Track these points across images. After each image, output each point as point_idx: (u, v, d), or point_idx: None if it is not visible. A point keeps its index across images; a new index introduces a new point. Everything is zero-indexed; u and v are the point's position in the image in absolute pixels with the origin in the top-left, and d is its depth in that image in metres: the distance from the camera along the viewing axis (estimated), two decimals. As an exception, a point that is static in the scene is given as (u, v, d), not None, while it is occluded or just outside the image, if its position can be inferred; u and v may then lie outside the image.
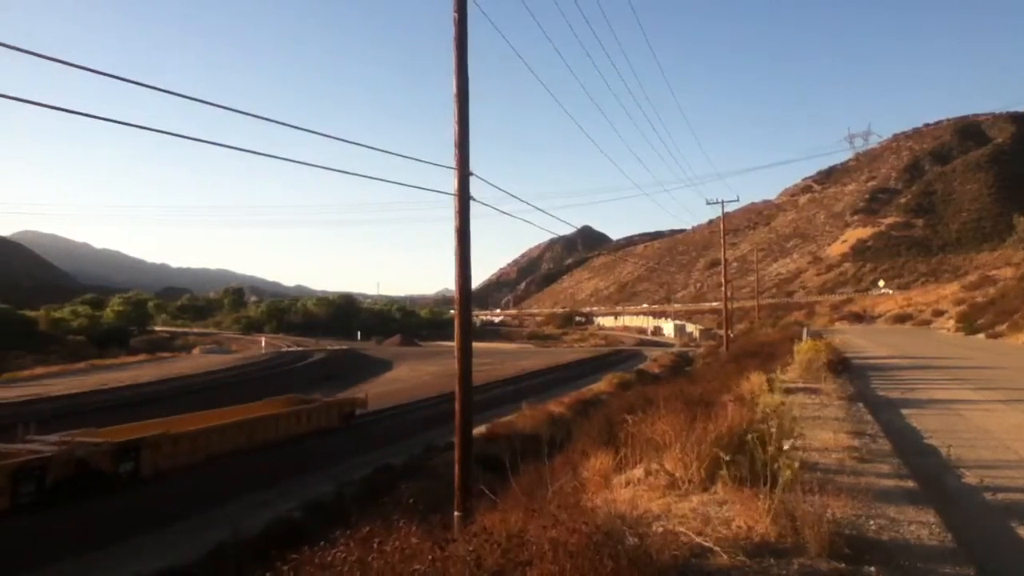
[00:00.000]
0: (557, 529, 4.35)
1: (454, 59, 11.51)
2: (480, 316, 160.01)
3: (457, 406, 11.43)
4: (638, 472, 7.17)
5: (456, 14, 11.48)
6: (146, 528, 14.91)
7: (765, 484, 5.36)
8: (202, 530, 14.46)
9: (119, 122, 7.49)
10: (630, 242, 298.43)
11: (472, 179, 11.70)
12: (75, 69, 6.40)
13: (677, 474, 6.56)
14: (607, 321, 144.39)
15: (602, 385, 34.81)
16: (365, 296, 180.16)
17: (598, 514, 5.14)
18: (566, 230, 47.86)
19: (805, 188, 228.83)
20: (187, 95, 8.17)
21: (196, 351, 71.67)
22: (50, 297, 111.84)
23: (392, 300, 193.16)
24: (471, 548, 4.18)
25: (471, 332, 12.07)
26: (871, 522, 5.51)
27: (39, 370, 49.06)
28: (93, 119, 6.83)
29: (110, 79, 6.68)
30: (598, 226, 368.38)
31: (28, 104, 6.11)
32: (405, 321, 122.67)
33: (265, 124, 11.25)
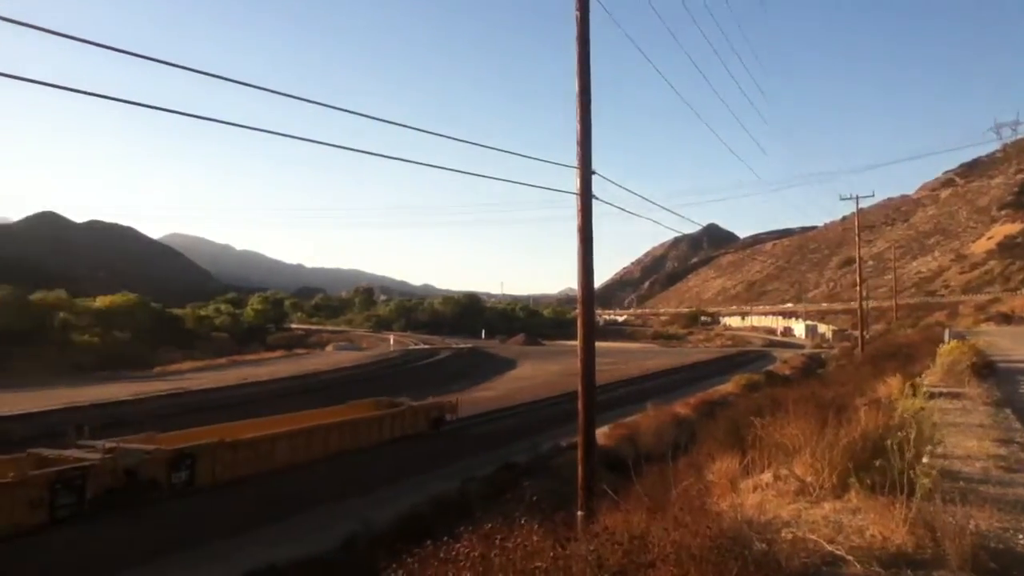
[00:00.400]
0: (680, 532, 4.28)
1: (576, 56, 11.48)
2: (603, 315, 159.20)
3: (580, 405, 11.40)
4: (766, 477, 6.96)
5: (578, 12, 11.45)
6: (169, 552, 13.48)
7: (902, 492, 5.09)
8: (239, 551, 13.56)
9: (265, 130, 7.85)
10: (758, 240, 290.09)
11: (595, 178, 11.66)
12: (223, 81, 6.75)
13: (807, 480, 6.33)
14: (734, 321, 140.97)
15: (729, 386, 34.03)
16: (489, 295, 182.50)
17: (724, 518, 5.03)
18: (691, 228, 47.08)
19: (947, 182, 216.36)
20: (330, 104, 8.49)
21: (329, 348, 74.44)
22: (195, 296, 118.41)
23: (516, 299, 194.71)
24: (592, 548, 4.17)
25: (594, 331, 12.03)
26: (1020, 536, 5.15)
27: (186, 364, 52.12)
28: (241, 128, 7.18)
29: (258, 90, 7.01)
30: (724, 224, 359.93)
31: (188, 117, 6.48)
32: (528, 320, 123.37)
33: (394, 128, 11.54)
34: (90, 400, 31.57)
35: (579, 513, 9.91)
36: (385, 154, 9.50)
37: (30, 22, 5.06)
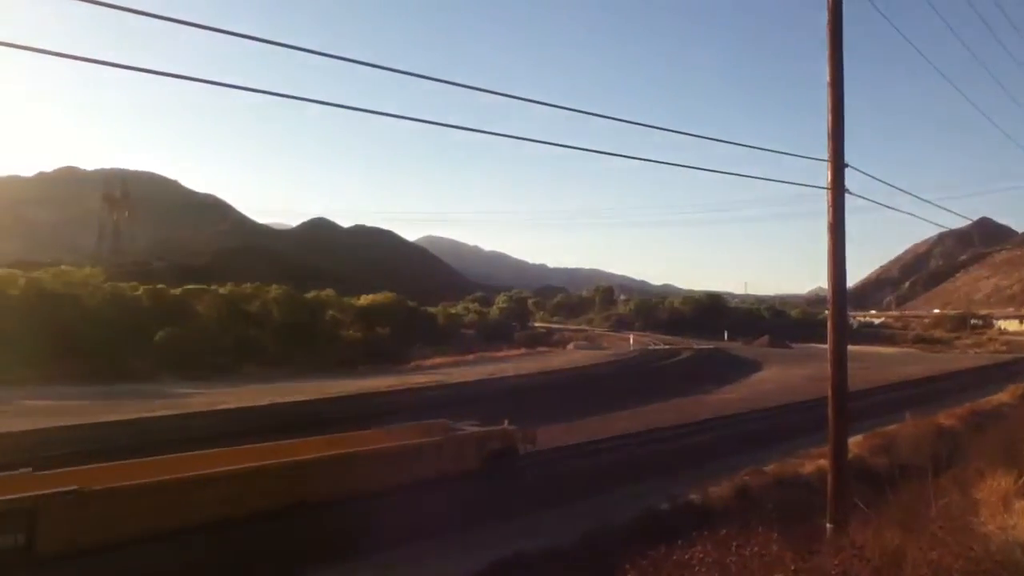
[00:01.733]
0: (939, 551, 3.95)
1: (827, 45, 10.98)
2: (857, 317, 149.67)
3: (830, 412, 10.84)
4: (1046, 498, 6.26)
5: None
6: None
7: None
8: None
9: (508, 135, 8.18)
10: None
11: (847, 171, 11.07)
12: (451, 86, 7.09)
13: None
14: (1011, 325, 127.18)
15: (1003, 396, 30.82)
16: (732, 295, 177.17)
17: (991, 540, 4.58)
18: (959, 223, 42.91)
19: None
20: (572, 107, 8.70)
21: (570, 347, 75.75)
22: (446, 295, 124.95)
23: (760, 299, 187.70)
24: (837, 562, 3.95)
25: (846, 334, 11.40)
26: None
27: (437, 359, 55.20)
28: (485, 134, 7.53)
29: (503, 96, 7.31)
30: (999, 217, 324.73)
31: (433, 125, 6.89)
32: (774, 321, 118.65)
33: (633, 127, 11.58)
34: (370, 389, 34.34)
35: (827, 525, 9.42)
36: (625, 154, 9.57)
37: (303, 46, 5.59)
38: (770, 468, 18.86)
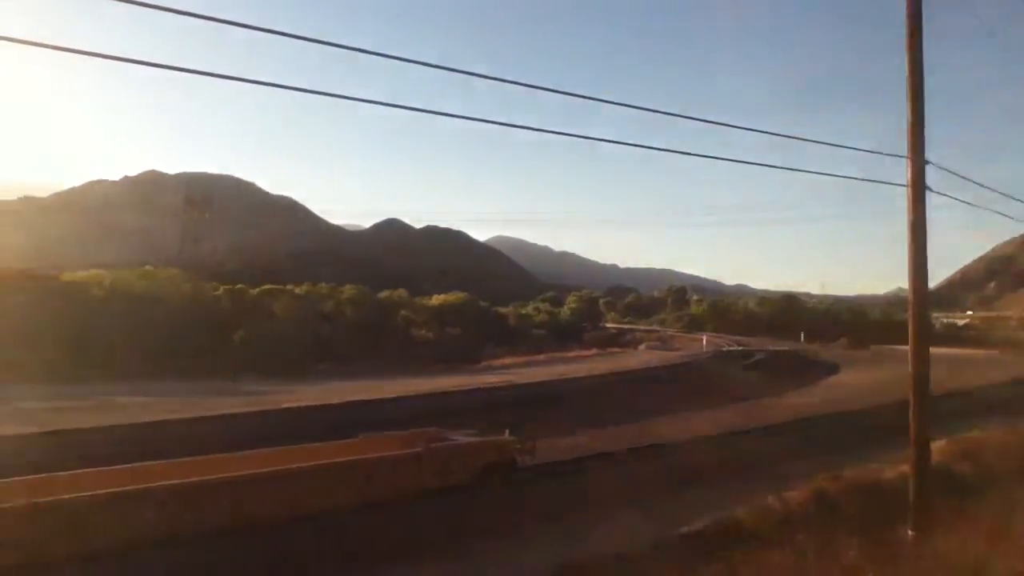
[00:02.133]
0: (1027, 564, 3.82)
1: (906, 34, 10.67)
2: (940, 318, 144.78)
3: (912, 416, 10.55)
4: None
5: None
6: None
7: None
8: None
9: (579, 136, 8.19)
10: None
11: (929, 167, 10.75)
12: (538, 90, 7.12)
13: None
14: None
15: (1102, 403, 29.43)
16: (809, 296, 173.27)
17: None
18: (1049, 220, 41.02)
19: None
20: (641, 105, 8.67)
21: (642, 347, 75.25)
22: (517, 295, 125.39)
23: (838, 300, 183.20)
24: (918, 571, 3.86)
25: (928, 335, 11.07)
26: None
27: (508, 359, 55.43)
28: (557, 134, 7.54)
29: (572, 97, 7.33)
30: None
31: (496, 125, 6.94)
32: (853, 322, 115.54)
33: (707, 126, 11.46)
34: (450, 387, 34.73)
35: (909, 533, 9.16)
36: (697, 153, 9.47)
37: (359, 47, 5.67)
38: (849, 473, 18.38)
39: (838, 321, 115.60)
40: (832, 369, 52.33)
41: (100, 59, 5.41)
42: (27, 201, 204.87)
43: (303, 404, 27.81)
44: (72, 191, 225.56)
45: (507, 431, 16.56)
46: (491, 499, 14.94)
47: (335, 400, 29.26)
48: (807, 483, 17.44)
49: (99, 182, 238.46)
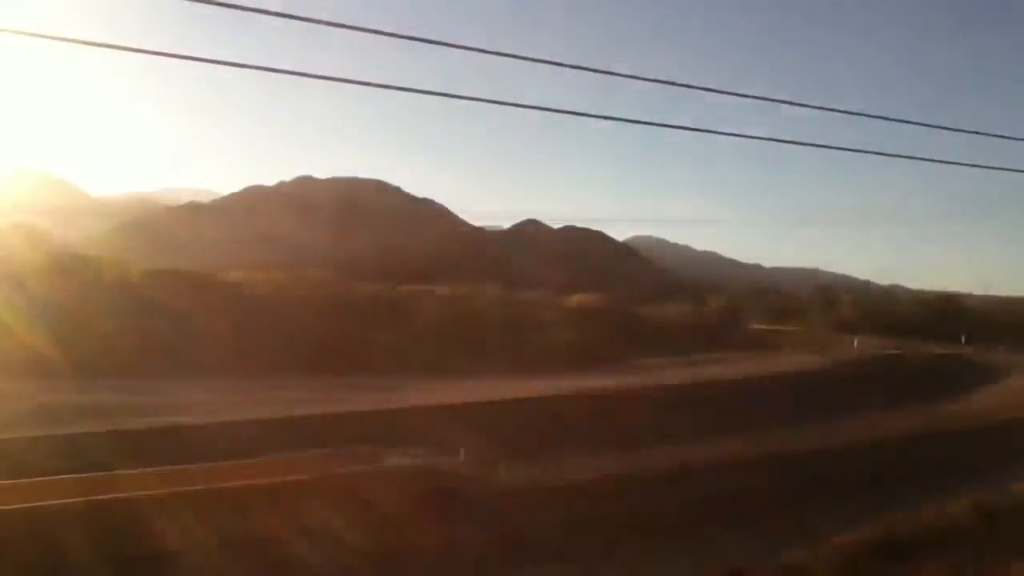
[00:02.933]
0: None
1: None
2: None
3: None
4: None
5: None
6: None
7: None
8: None
9: (719, 132, 7.90)
10: None
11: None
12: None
13: None
14: None
15: None
16: (971, 296, 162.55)
17: None
18: None
19: None
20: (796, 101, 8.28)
21: (789, 349, 72.62)
22: (657, 295, 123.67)
23: (1005, 301, 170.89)
24: None
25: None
26: None
27: (648, 361, 54.74)
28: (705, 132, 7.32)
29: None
30: None
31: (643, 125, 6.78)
32: (1022, 325, 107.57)
33: (866, 120, 10.87)
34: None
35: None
36: (848, 147, 8.98)
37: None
38: (1020, 488, 17.11)
39: (1004, 324, 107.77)
40: (1000, 375, 49.03)
41: (255, 71, 5.65)
42: (192, 207, 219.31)
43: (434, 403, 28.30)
44: (232, 196, 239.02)
45: (461, 451, 13.56)
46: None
47: (470, 399, 29.70)
48: (971, 496, 16.30)
49: (256, 188, 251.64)
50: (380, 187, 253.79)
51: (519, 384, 36.77)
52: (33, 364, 31.11)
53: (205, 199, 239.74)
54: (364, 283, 62.42)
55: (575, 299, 73.68)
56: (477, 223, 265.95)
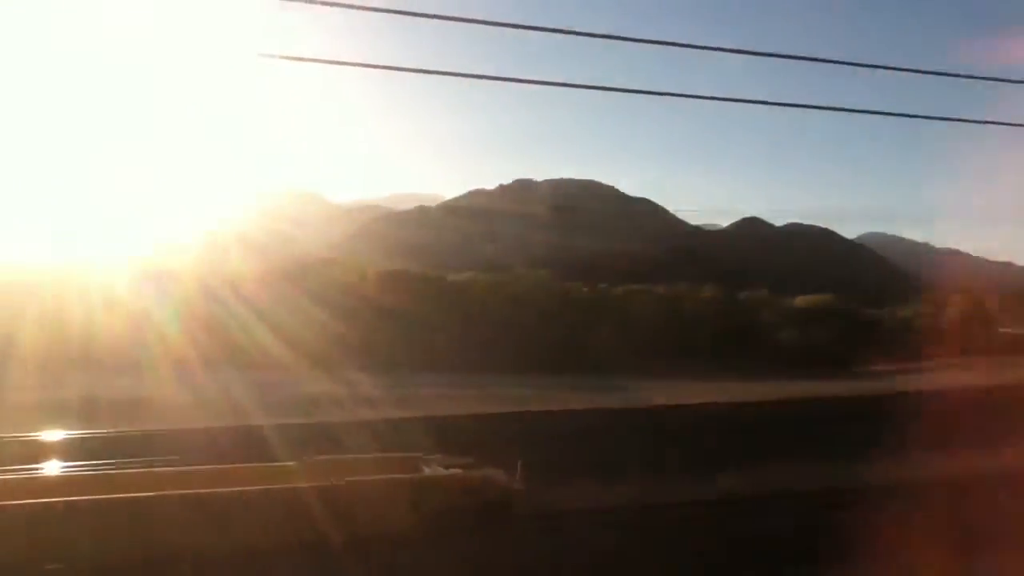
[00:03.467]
0: None
1: None
2: None
3: None
4: None
5: None
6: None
7: None
8: None
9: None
10: None
11: None
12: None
13: None
14: None
15: None
16: None
17: None
18: None
19: None
20: None
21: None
22: (891, 296, 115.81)
23: None
24: None
25: None
26: None
27: (882, 366, 51.48)
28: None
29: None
30: None
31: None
32: None
33: None
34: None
35: None
36: None
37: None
38: None
39: None
40: None
41: (471, 79, 5.98)
42: (421, 211, 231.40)
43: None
44: (456, 200, 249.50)
45: (518, 465, 11.88)
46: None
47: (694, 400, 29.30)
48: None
49: (478, 191, 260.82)
50: (595, 187, 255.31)
51: (735, 387, 35.83)
52: (280, 357, 34.30)
53: (432, 203, 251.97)
54: (581, 283, 63.19)
55: (799, 300, 70.52)
56: (694, 222, 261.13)
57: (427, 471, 11.52)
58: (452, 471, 11.55)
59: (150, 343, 34.39)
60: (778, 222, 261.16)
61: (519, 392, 31.48)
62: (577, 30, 6.27)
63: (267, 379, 30.85)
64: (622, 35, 6.45)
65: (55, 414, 21.35)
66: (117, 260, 43.37)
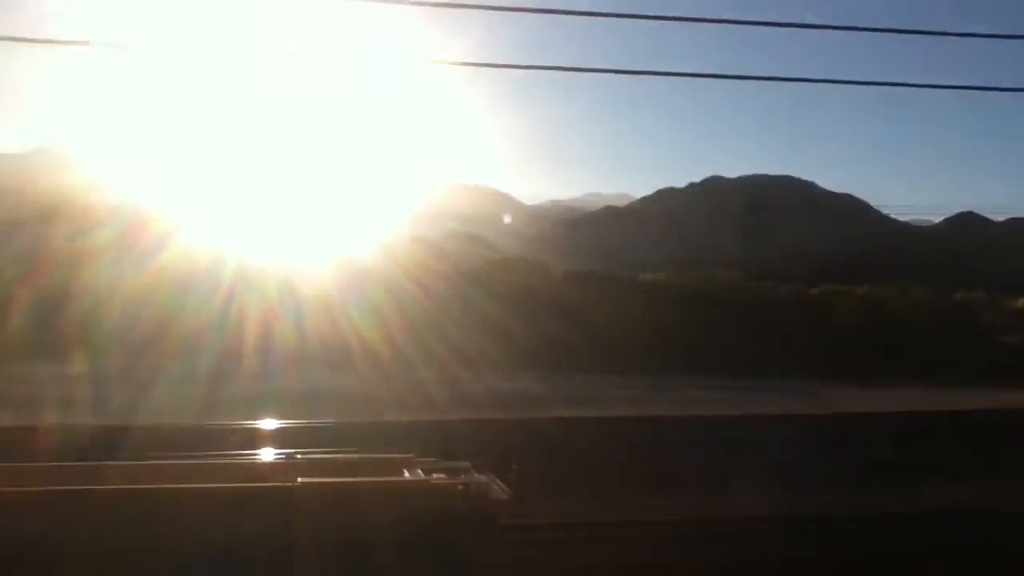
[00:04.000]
0: None
1: None
2: None
3: None
4: None
5: None
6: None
7: None
8: None
9: None
10: None
11: None
12: None
13: None
14: None
15: None
16: None
17: None
18: None
19: None
20: None
21: None
22: None
23: None
24: None
25: None
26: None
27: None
28: None
29: None
30: None
31: None
32: None
33: None
34: None
35: None
36: None
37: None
38: None
39: None
40: None
41: (667, 77, 5.82)
42: (608, 211, 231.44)
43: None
44: (645, 200, 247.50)
45: (513, 469, 9.79)
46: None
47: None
48: None
49: (668, 190, 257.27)
50: (790, 183, 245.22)
51: (937, 396, 33.28)
52: (468, 356, 35.46)
53: (621, 203, 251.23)
54: (774, 283, 60.83)
55: (1023, 301, 64.49)
56: (903, 218, 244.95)
57: (407, 474, 9.87)
58: (434, 477, 9.73)
59: (353, 340, 36.71)
60: (998, 217, 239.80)
61: (692, 395, 30.83)
62: (771, 21, 5.96)
63: (460, 376, 32.03)
64: (815, 24, 6.01)
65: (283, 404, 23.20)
66: (319, 259, 46.42)
